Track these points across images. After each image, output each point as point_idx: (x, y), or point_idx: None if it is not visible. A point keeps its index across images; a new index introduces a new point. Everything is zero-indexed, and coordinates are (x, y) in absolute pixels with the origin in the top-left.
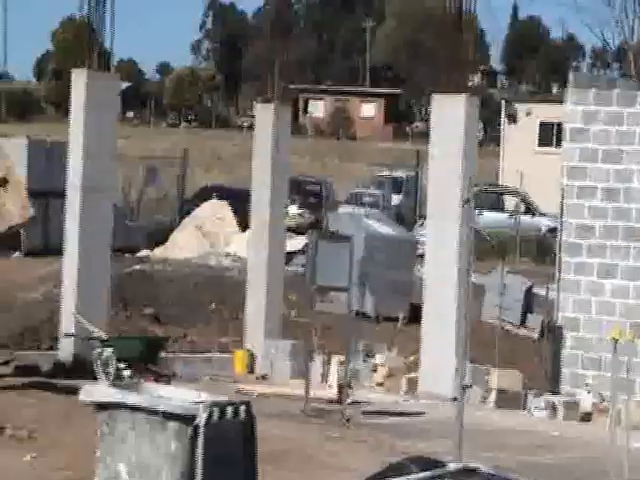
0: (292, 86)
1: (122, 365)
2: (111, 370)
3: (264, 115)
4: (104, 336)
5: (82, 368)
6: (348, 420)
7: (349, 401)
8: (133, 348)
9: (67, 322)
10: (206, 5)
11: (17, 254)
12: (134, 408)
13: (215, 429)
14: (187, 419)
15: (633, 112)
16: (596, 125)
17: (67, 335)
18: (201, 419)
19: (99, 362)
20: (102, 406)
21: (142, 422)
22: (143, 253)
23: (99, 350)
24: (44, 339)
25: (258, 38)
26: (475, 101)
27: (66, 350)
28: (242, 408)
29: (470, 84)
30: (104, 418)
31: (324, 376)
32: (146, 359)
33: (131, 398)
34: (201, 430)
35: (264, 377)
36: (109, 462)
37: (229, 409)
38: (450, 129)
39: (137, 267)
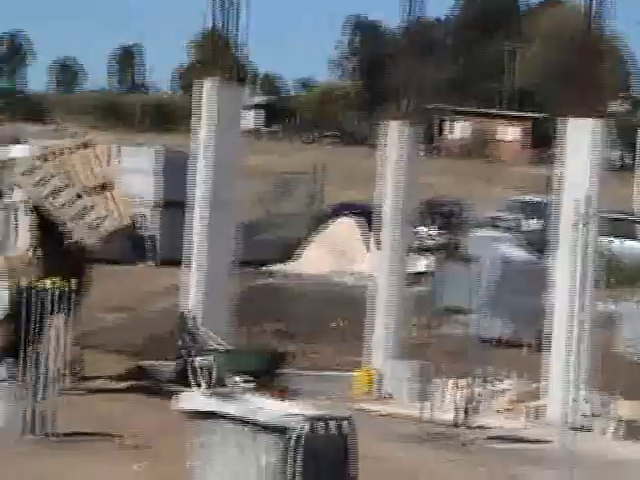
0: (431, 106)
1: (238, 378)
2: (208, 379)
3: (393, 133)
4: (224, 348)
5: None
6: (465, 445)
7: (469, 425)
8: (250, 362)
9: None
10: (349, 21)
11: (150, 263)
12: (229, 418)
13: (310, 442)
14: (282, 431)
15: None
16: None
17: (182, 347)
18: (296, 431)
19: (195, 370)
20: (197, 414)
21: (237, 432)
22: (272, 267)
23: (196, 359)
24: (169, 349)
25: (398, 56)
26: (603, 126)
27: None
28: (339, 423)
29: (606, 109)
30: (199, 427)
31: (444, 399)
32: (264, 373)
33: (227, 408)
34: (295, 442)
35: (384, 397)
36: (203, 471)
37: (325, 423)
38: (576, 153)
39: (265, 281)
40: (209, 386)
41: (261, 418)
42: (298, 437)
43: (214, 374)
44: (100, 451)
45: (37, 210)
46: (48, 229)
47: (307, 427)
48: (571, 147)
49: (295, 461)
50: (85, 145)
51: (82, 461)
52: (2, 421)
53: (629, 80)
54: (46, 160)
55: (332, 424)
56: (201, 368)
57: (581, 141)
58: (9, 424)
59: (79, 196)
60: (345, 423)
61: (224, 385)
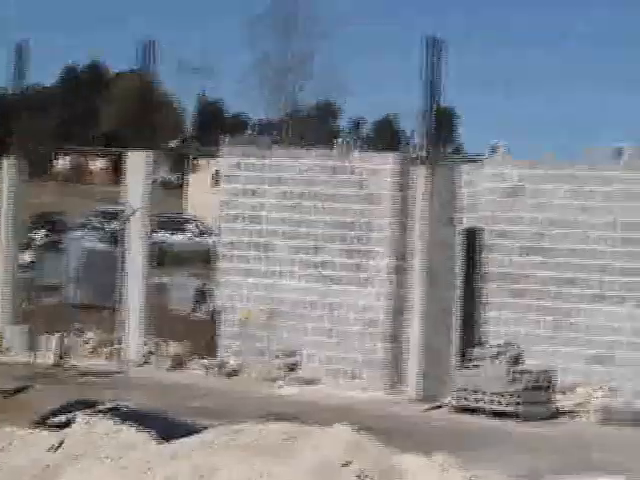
0: (41, 146)
1: None
2: None
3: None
4: None
5: None
6: (62, 380)
7: (65, 366)
8: None
9: None
10: None
11: None
12: None
13: None
14: None
15: None
16: None
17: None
18: None
19: None
20: None
21: None
22: None
23: None
24: None
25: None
26: (155, 155)
27: None
28: None
29: (159, 144)
30: None
31: (48, 349)
32: None
33: None
34: None
35: (5, 350)
36: None
37: None
38: (135, 175)
39: None
40: None
41: None
42: None
43: None
44: None
45: None
46: None
47: None
48: (132, 170)
49: None
50: None
51: None
52: None
53: (181, 123)
54: None
55: None
56: None
57: (139, 167)
58: None
59: None
60: None
61: None
